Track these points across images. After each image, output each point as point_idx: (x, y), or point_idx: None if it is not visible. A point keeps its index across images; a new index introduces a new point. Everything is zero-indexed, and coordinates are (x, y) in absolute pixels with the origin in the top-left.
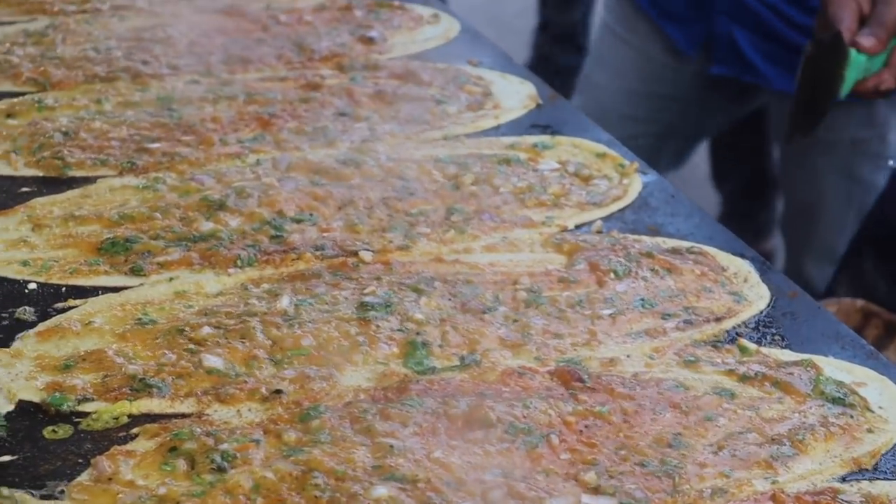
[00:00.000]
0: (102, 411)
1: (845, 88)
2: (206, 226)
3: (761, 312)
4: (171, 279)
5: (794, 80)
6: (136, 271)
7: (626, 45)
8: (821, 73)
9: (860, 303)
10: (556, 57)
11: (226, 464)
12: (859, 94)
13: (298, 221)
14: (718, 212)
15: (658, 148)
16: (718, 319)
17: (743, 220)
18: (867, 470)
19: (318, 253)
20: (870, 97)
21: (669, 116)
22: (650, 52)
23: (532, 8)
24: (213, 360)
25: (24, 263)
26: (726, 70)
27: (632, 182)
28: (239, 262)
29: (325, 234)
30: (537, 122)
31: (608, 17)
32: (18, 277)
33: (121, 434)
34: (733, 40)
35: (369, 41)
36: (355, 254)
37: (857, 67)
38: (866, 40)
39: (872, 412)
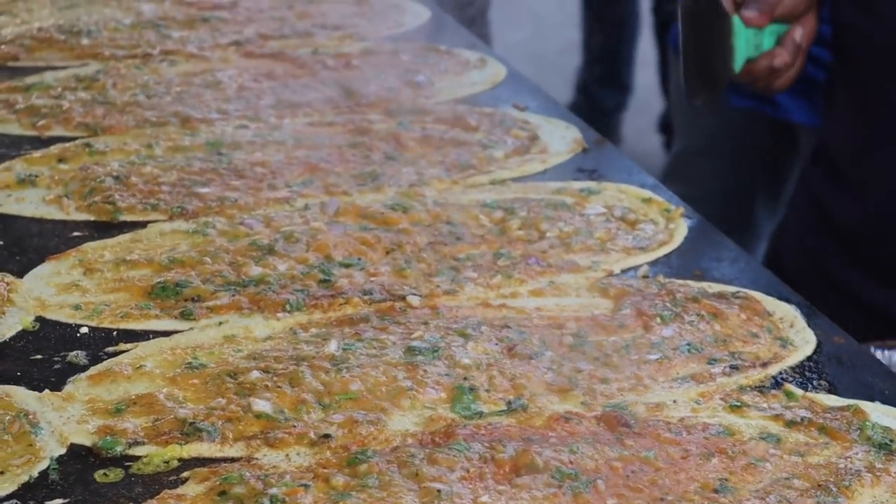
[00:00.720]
0: (153, 455)
1: (738, 61)
2: (255, 270)
3: (808, 358)
4: (220, 323)
5: (810, 111)
6: (186, 315)
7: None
8: (706, 36)
9: None
10: (599, 95)
11: None
12: (755, 76)
13: (346, 266)
14: None
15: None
16: (764, 365)
17: None
18: None
19: (365, 297)
20: (766, 79)
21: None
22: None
23: (576, 45)
24: (261, 405)
25: (77, 307)
26: (747, 102)
27: (677, 227)
28: (287, 307)
29: (372, 279)
30: (583, 167)
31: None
32: (70, 321)
33: (171, 478)
34: None
35: (416, 86)
36: (403, 298)
37: (745, 40)
38: (748, 11)
39: None
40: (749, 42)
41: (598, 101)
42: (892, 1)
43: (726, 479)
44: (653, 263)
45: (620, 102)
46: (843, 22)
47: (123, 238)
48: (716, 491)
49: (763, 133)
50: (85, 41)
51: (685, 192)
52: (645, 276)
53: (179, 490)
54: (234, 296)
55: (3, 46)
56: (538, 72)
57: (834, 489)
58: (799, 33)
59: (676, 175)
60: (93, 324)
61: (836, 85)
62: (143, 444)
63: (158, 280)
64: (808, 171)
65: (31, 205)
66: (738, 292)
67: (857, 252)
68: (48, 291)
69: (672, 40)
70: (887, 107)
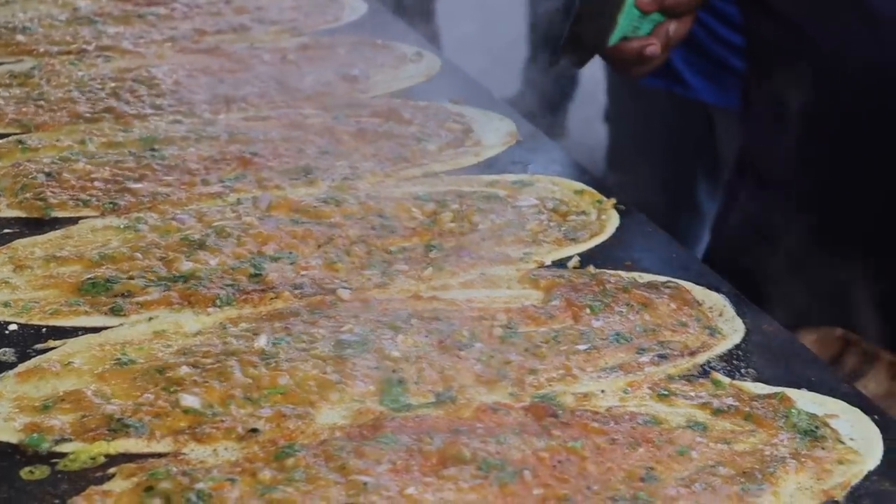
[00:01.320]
0: (80, 452)
1: (615, 35)
2: (186, 265)
3: (736, 346)
4: (150, 319)
5: (720, 92)
6: (115, 311)
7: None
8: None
9: (839, 331)
10: (547, 88)
11: (201, 503)
12: (624, 55)
13: (277, 260)
14: None
15: (688, 181)
16: (693, 353)
17: None
18: (838, 502)
19: (296, 291)
20: (631, 62)
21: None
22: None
23: (523, 39)
24: (190, 400)
25: (6, 304)
26: (658, 83)
27: (609, 218)
28: (218, 302)
29: (303, 273)
30: (517, 159)
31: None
32: (4, 321)
33: (97, 474)
34: None
35: (352, 79)
36: (333, 292)
37: (629, 18)
38: None
39: (844, 444)
40: (630, 22)
41: (544, 92)
42: (802, 8)
43: (652, 468)
44: (584, 254)
45: (566, 94)
46: (753, 30)
47: (55, 235)
48: (642, 479)
49: (695, 117)
50: (20, 37)
51: (627, 180)
52: (576, 267)
53: (105, 486)
54: (164, 291)
55: None
56: (486, 65)
57: (759, 476)
58: (673, 28)
59: (616, 164)
60: (22, 321)
61: (752, 93)
62: (70, 440)
63: (88, 276)
64: (732, 182)
65: None
66: (667, 282)
67: (791, 261)
68: None
69: None
70: (803, 113)
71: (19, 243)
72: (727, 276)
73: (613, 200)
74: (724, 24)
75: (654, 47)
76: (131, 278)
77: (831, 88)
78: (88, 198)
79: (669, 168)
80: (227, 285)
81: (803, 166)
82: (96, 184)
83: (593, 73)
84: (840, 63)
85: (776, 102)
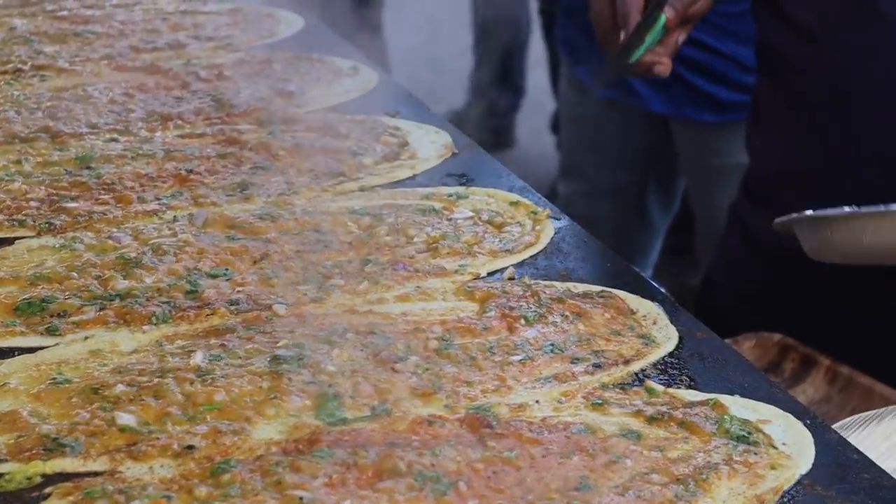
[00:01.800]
0: (15, 472)
1: (638, 53)
2: (122, 284)
3: (669, 354)
4: (86, 338)
5: (670, 102)
6: (51, 331)
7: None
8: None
9: (777, 337)
10: (492, 98)
11: None
12: (633, 72)
13: (214, 277)
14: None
15: (639, 192)
16: (627, 362)
17: (679, 256)
18: None
19: (232, 308)
20: (641, 76)
21: (621, 162)
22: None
23: (469, 49)
24: (126, 418)
25: None
26: (611, 94)
27: (544, 228)
28: (154, 320)
29: (239, 289)
30: (453, 172)
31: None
32: None
33: (34, 494)
34: None
35: (287, 95)
36: (269, 307)
37: (654, 35)
38: (669, 10)
39: (776, 449)
40: (654, 39)
41: (491, 103)
42: (826, 23)
43: (587, 477)
44: (519, 265)
45: (513, 104)
46: (771, 45)
47: None
48: (576, 489)
49: (642, 127)
50: None
51: (578, 189)
52: (511, 279)
53: None
54: (100, 310)
55: None
56: (433, 76)
57: (691, 482)
58: (682, 38)
59: (570, 172)
60: None
61: (763, 110)
62: (6, 461)
63: (24, 297)
64: (738, 204)
65: None
66: (602, 291)
67: (798, 289)
68: None
69: (560, 40)
70: (820, 130)
71: None
72: (728, 297)
73: (548, 211)
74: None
75: (665, 67)
76: (67, 298)
77: (844, 100)
78: (24, 218)
79: (621, 178)
80: (163, 303)
81: (814, 185)
82: (32, 203)
83: (538, 82)
84: (854, 72)
85: (788, 117)
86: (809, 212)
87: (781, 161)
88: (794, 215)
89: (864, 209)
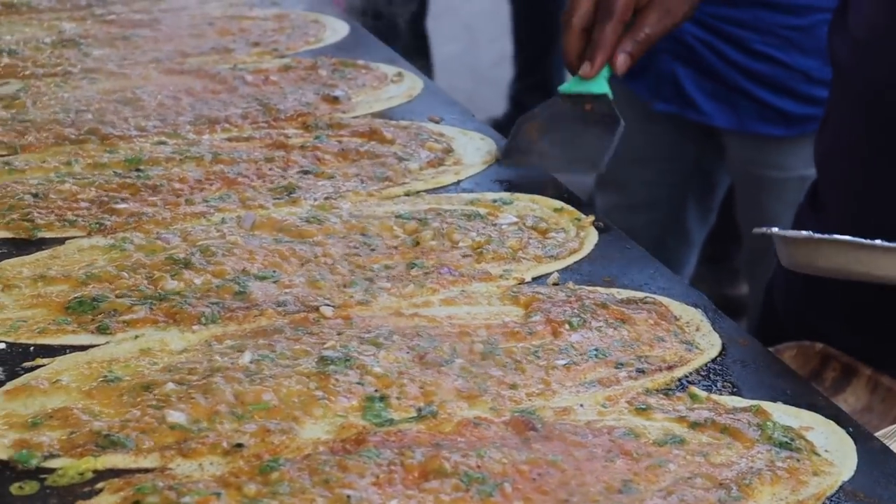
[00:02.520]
0: (68, 467)
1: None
2: (171, 284)
3: (713, 360)
4: (136, 337)
5: (732, 116)
6: (102, 330)
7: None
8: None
9: (819, 346)
10: (530, 106)
11: None
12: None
13: (261, 279)
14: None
15: (678, 206)
16: (670, 368)
17: (717, 265)
18: None
19: (279, 309)
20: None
21: (663, 175)
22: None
23: (509, 58)
24: (176, 416)
25: None
26: (670, 107)
27: (588, 235)
28: (203, 319)
29: (286, 291)
30: (497, 178)
31: None
32: None
33: (85, 489)
34: (676, 78)
35: (334, 100)
36: (316, 309)
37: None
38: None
39: (819, 456)
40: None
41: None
42: (877, 31)
43: (630, 480)
44: (563, 271)
45: None
46: (835, 56)
47: (42, 255)
48: (620, 492)
49: (690, 140)
50: (6, 59)
51: (615, 202)
52: (555, 284)
53: (93, 501)
54: (150, 310)
55: None
56: (473, 85)
57: (735, 488)
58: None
59: (607, 185)
60: (10, 339)
61: (830, 124)
62: (59, 456)
63: (75, 295)
64: (801, 214)
65: None
66: (645, 297)
67: (855, 313)
68: None
69: None
70: (877, 146)
71: (7, 263)
72: (784, 311)
73: (592, 218)
74: (735, 47)
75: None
76: (118, 297)
77: None
78: (75, 218)
79: (662, 192)
80: (212, 303)
81: (873, 200)
82: (82, 204)
83: None
84: None
85: (852, 133)
86: (775, 229)
87: (846, 171)
88: (765, 229)
89: (818, 235)
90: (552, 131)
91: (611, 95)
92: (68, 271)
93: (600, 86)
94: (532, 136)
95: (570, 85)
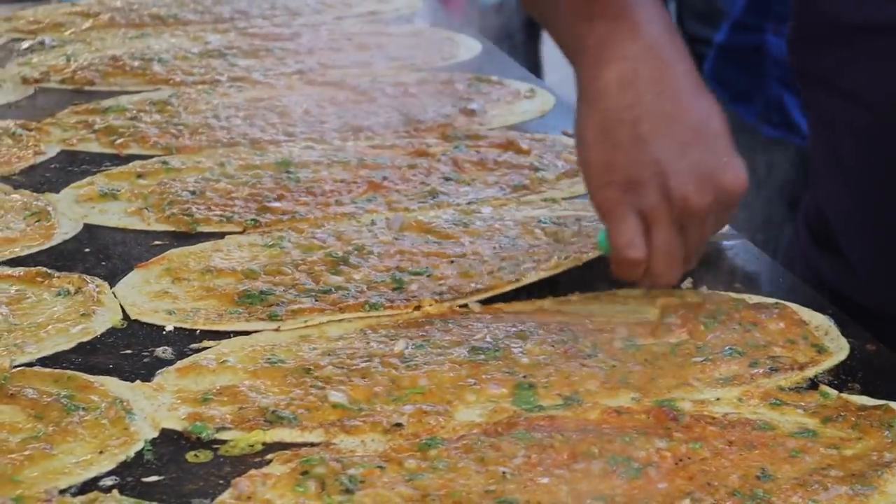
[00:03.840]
0: (239, 439)
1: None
2: (333, 279)
3: (842, 362)
4: (306, 322)
5: None
6: (272, 318)
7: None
8: None
9: None
10: None
11: (353, 486)
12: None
13: (416, 274)
14: None
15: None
16: (801, 367)
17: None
18: None
19: (436, 297)
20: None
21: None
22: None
23: None
24: (337, 396)
25: (170, 313)
26: (778, 133)
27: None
28: (367, 308)
29: (441, 283)
30: None
31: None
32: (164, 324)
33: (256, 459)
34: (782, 104)
35: (471, 113)
36: (465, 305)
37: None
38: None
39: None
40: None
41: None
42: (878, 87)
43: (767, 468)
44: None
45: None
46: (819, 111)
47: (205, 246)
48: (757, 478)
49: (787, 164)
50: (157, 68)
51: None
52: (689, 288)
53: (265, 469)
54: (315, 301)
55: (79, 72)
56: None
57: (867, 478)
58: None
59: None
60: (187, 326)
61: (817, 154)
62: (230, 429)
63: (244, 288)
64: (799, 235)
65: (114, 216)
66: (776, 303)
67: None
68: (141, 299)
69: (710, 75)
70: (873, 178)
71: (172, 253)
72: None
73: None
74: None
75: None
76: (283, 290)
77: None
78: (231, 214)
79: (760, 214)
80: (375, 295)
81: (872, 228)
82: (237, 202)
83: None
84: None
85: (838, 167)
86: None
87: (842, 211)
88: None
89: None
90: None
91: None
92: (232, 265)
93: None
94: None
95: None
